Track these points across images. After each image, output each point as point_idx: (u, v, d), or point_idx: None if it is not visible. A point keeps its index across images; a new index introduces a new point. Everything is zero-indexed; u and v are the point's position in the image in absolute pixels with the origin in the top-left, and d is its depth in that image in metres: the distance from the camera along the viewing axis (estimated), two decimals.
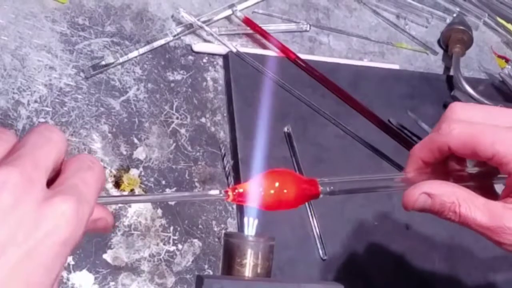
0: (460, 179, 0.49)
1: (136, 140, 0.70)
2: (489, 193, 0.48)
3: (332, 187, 0.46)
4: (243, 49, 0.79)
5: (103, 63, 0.72)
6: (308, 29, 0.86)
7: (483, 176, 0.49)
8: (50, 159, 0.35)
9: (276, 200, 0.44)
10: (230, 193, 0.44)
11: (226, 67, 0.78)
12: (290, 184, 0.45)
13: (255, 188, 0.44)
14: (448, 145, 0.46)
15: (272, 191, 0.44)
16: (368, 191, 0.50)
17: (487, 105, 0.50)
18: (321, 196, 0.46)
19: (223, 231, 0.67)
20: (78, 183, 0.35)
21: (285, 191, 0.44)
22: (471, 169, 0.50)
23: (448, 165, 0.49)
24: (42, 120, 0.67)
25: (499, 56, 0.97)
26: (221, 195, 0.44)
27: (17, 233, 0.32)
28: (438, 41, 0.95)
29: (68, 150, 0.66)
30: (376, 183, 0.50)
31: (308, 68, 0.81)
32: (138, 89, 0.73)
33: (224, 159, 0.72)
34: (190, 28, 0.79)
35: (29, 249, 0.32)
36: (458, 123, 0.46)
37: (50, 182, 0.35)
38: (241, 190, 0.44)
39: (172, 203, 0.67)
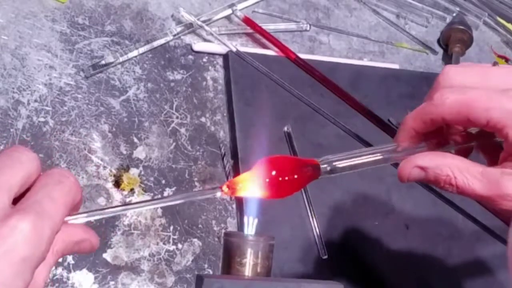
0: (461, 140, 0.47)
1: (136, 140, 0.70)
2: (494, 151, 0.46)
3: (329, 167, 0.45)
4: (243, 49, 0.79)
5: (103, 62, 0.72)
6: (308, 28, 0.86)
7: (485, 135, 0.47)
8: (15, 180, 0.36)
9: (277, 187, 0.43)
10: (225, 188, 0.43)
11: (226, 66, 0.78)
12: (289, 168, 0.44)
13: (253, 178, 0.43)
14: (442, 116, 0.44)
15: (270, 178, 0.43)
16: (368, 165, 0.47)
17: (482, 65, 0.48)
18: (321, 176, 0.45)
19: (223, 231, 0.67)
20: (42, 199, 0.35)
21: (286, 178, 0.43)
22: (472, 129, 0.48)
23: (447, 128, 0.47)
24: (42, 119, 0.67)
25: (499, 56, 0.97)
26: (217, 192, 0.43)
27: None
28: (438, 41, 0.95)
29: (68, 149, 0.66)
30: (372, 156, 0.47)
31: (308, 67, 0.81)
32: (138, 89, 0.73)
33: (224, 158, 0.72)
34: (190, 28, 0.79)
35: None
36: (450, 92, 0.44)
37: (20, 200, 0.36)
38: (237, 184, 0.43)
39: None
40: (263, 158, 0.44)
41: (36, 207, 0.35)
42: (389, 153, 0.47)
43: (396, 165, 0.48)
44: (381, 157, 0.47)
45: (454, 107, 0.44)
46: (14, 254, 0.33)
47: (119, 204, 0.65)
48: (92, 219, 0.40)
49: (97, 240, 0.40)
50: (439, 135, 0.48)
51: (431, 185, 0.45)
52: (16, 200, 0.36)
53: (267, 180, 0.43)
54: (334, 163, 0.46)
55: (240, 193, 0.43)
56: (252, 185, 0.43)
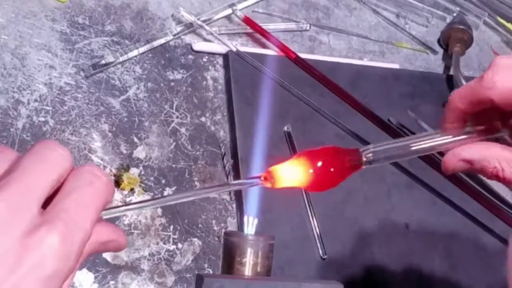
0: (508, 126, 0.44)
1: (136, 139, 0.70)
2: None
3: (372, 157, 0.44)
4: (243, 48, 0.79)
5: (103, 62, 0.72)
6: (308, 28, 0.86)
7: None
8: (46, 181, 0.33)
9: (320, 178, 0.42)
10: (263, 178, 0.41)
11: (226, 66, 0.78)
12: (332, 159, 0.42)
13: (295, 168, 0.41)
14: (491, 99, 0.41)
15: (314, 169, 0.42)
16: (411, 155, 0.45)
17: None
18: (363, 167, 0.43)
19: (223, 230, 0.67)
20: (70, 206, 0.33)
21: (331, 169, 0.42)
22: None
23: (494, 113, 0.44)
24: (42, 119, 0.67)
25: None
26: (257, 181, 0.41)
27: None
28: (438, 41, 0.95)
29: (69, 149, 0.66)
30: (415, 145, 0.44)
31: (308, 67, 0.81)
32: (138, 88, 0.73)
33: (224, 158, 0.72)
34: (190, 27, 0.79)
35: (11, 286, 0.30)
36: (503, 73, 0.41)
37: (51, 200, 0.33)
38: (278, 174, 0.41)
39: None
40: (305, 150, 0.42)
41: (64, 217, 0.32)
42: (433, 142, 0.45)
43: (441, 155, 0.45)
44: (425, 146, 0.45)
45: (505, 91, 0.41)
46: (42, 270, 0.30)
47: (121, 203, 0.65)
48: (114, 215, 0.37)
49: (125, 239, 0.37)
50: (487, 121, 0.45)
51: (476, 174, 0.43)
52: (46, 201, 0.33)
53: (311, 171, 0.42)
54: (376, 153, 0.44)
55: (281, 184, 0.41)
56: (293, 175, 0.41)
